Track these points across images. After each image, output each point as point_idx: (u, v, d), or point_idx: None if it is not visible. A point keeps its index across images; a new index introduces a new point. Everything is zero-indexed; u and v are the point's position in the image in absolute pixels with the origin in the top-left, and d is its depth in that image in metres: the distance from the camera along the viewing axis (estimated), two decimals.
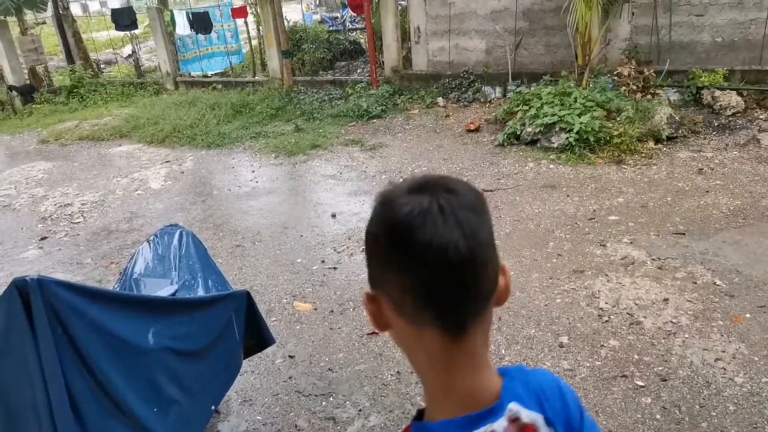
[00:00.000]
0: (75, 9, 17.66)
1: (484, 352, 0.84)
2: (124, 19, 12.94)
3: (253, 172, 7.51)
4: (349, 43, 13.92)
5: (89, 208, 6.74)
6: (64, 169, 8.35)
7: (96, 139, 9.71)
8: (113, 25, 13.17)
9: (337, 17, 18.30)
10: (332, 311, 4.18)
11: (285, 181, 7.17)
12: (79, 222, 6.39)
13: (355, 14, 13.79)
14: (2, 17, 12.89)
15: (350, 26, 16.81)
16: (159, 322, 2.42)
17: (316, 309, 4.25)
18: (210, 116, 9.84)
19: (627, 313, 3.82)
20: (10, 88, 12.62)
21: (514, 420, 0.82)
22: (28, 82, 13.04)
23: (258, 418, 3.22)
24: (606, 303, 3.96)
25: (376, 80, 10.20)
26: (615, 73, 8.11)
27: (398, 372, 3.45)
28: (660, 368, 3.29)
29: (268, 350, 3.36)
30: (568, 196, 5.83)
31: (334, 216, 5.86)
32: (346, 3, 13.37)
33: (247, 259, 5.12)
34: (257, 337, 3.03)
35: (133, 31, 13.46)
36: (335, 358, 3.66)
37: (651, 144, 6.83)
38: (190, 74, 12.68)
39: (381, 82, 10.19)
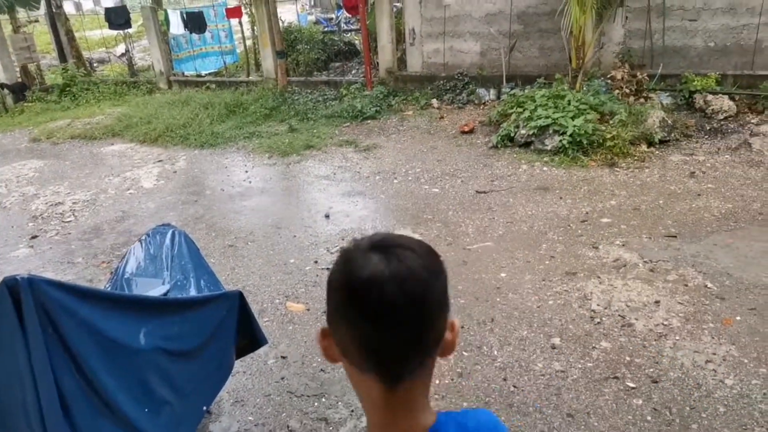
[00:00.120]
0: (68, 7, 17.54)
1: (421, 398, 0.92)
2: (117, 17, 12.87)
3: (247, 172, 7.49)
4: (344, 44, 13.90)
5: (80, 207, 6.70)
6: (56, 168, 8.30)
7: (88, 138, 9.65)
8: (107, 23, 13.10)
9: (332, 18, 18.29)
10: (325, 312, 4.17)
11: (278, 181, 7.15)
12: (70, 221, 6.35)
13: (350, 15, 13.78)
14: None
15: (345, 27, 16.80)
16: (150, 323, 2.41)
17: (308, 309, 4.24)
18: (203, 116, 9.80)
19: (619, 315, 3.84)
20: (2, 86, 12.52)
21: None
22: (19, 80, 12.94)
23: (250, 418, 3.21)
24: (598, 305, 3.98)
25: (371, 81, 10.20)
26: (608, 76, 8.15)
27: None
28: (651, 370, 3.31)
29: (261, 351, 3.35)
30: (561, 198, 5.85)
31: (327, 217, 5.85)
32: (341, 4, 13.38)
33: (240, 259, 5.11)
34: (249, 338, 3.01)
35: (126, 30, 13.39)
36: None
37: (643, 147, 6.87)
38: (183, 73, 12.63)
39: (375, 83, 10.19)
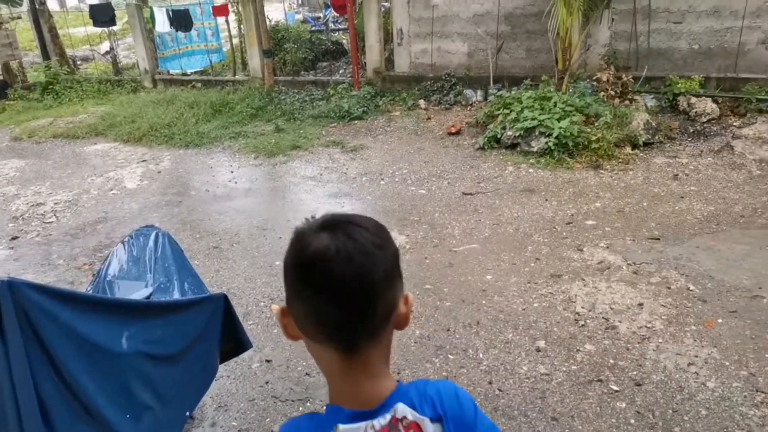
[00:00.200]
0: (52, 4, 17.33)
1: (381, 365, 0.97)
2: (102, 15, 12.73)
3: (232, 172, 7.44)
4: (332, 43, 13.88)
5: (62, 208, 6.61)
6: (37, 168, 8.18)
7: (71, 137, 9.52)
8: (91, 21, 12.94)
9: (319, 17, 18.25)
10: None
11: (264, 182, 7.11)
12: (51, 222, 6.26)
13: (337, 15, 13.76)
14: None
15: (333, 27, 16.78)
16: (133, 326, 2.37)
17: None
18: (188, 115, 9.71)
19: (603, 318, 3.86)
20: None
21: (402, 419, 0.95)
22: (1, 77, 12.75)
23: (233, 423, 3.18)
24: (582, 307, 4.00)
25: (358, 81, 10.19)
26: (594, 78, 8.21)
27: None
28: (634, 373, 3.33)
29: (245, 354, 3.32)
30: (546, 200, 5.88)
31: (313, 218, 5.81)
32: (329, 3, 13.35)
33: (225, 261, 5.07)
34: (234, 342, 2.98)
35: (111, 28, 13.25)
36: (313, 363, 3.60)
37: (628, 149, 6.92)
38: (169, 72, 12.53)
39: (363, 84, 10.18)
